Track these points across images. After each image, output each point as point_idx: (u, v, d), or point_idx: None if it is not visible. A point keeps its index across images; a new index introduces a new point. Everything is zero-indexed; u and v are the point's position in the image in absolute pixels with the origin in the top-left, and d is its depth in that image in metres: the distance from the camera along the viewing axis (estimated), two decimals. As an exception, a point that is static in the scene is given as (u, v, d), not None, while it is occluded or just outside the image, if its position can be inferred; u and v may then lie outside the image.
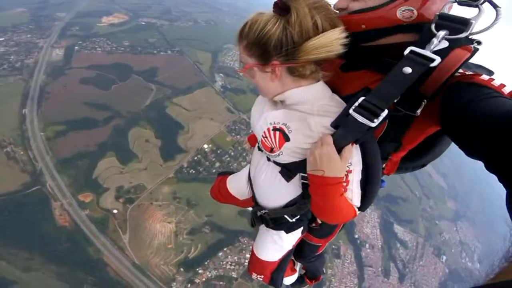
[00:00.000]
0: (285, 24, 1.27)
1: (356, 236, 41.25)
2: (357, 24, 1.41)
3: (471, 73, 1.25)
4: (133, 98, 44.13)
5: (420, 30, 1.36)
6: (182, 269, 30.06)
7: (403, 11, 1.34)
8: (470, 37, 1.27)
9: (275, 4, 1.30)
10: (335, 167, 1.27)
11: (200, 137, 41.92)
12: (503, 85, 1.13)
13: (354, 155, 1.35)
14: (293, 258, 2.64)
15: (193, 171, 37.87)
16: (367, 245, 41.12)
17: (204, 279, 30.12)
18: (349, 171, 1.36)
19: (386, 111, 1.18)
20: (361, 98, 1.23)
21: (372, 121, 1.18)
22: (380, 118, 1.18)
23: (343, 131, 1.28)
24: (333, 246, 37.81)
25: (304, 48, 1.26)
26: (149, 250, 30.49)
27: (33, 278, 25.65)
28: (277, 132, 1.44)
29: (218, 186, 2.43)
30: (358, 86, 1.41)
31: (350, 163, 1.35)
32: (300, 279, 2.99)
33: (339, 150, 1.28)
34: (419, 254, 43.97)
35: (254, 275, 2.30)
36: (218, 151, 41.44)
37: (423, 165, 1.81)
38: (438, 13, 1.30)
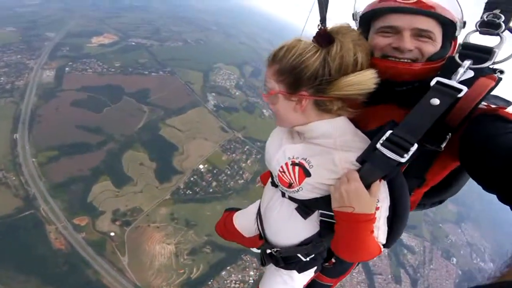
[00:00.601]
0: (325, 56, 1.25)
1: (360, 246, 41.39)
2: (436, 70, 1.38)
3: (495, 106, 1.26)
4: (126, 120, 44.34)
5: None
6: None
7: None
8: (492, 66, 1.28)
9: (318, 34, 1.29)
10: (365, 203, 1.25)
11: (195, 157, 42.16)
12: None
13: (381, 191, 1.33)
14: None
15: (190, 192, 37.94)
16: (372, 254, 40.89)
17: (210, 299, 29.99)
18: (377, 208, 1.32)
19: (415, 145, 1.16)
20: (389, 132, 1.22)
21: (402, 156, 1.16)
22: (410, 153, 1.16)
23: (371, 167, 1.25)
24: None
25: (338, 83, 1.25)
26: (150, 271, 30.28)
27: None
28: (297, 167, 1.40)
29: (224, 221, 2.40)
30: (381, 121, 1.39)
31: (378, 200, 1.32)
32: None
33: (367, 186, 1.25)
34: (428, 258, 44.09)
35: None
36: (214, 171, 41.65)
37: (441, 202, 1.85)
38: (461, 43, 1.34)
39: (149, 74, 56.78)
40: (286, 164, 1.44)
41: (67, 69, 50.87)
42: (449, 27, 1.39)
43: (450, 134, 1.26)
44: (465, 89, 1.15)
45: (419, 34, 1.36)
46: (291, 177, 1.42)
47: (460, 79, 1.21)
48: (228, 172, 42.29)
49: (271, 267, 1.99)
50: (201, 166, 41.46)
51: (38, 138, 37.48)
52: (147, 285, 29.53)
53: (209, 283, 30.91)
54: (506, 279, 0.53)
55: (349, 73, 1.26)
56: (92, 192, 33.96)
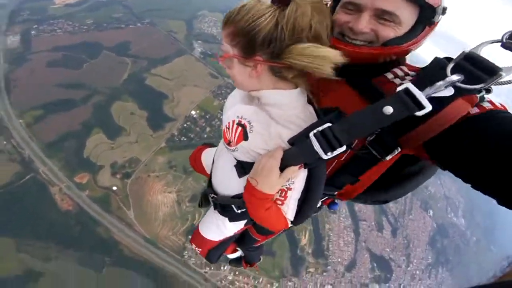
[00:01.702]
0: (278, 18, 1.19)
1: (347, 190, 44.51)
2: (391, 54, 1.41)
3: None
4: (109, 74, 44.79)
5: None
6: (190, 237, 32.18)
7: (425, 39, 1.40)
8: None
9: None
10: (268, 183, 1.31)
11: (186, 104, 43.37)
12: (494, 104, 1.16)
13: (299, 173, 1.38)
14: None
15: (185, 138, 39.54)
16: (359, 199, 44.26)
17: (213, 243, 32.57)
18: (289, 189, 1.40)
19: (343, 148, 1.18)
20: (327, 124, 1.22)
21: (326, 153, 1.19)
22: (335, 153, 1.19)
23: (296, 151, 1.29)
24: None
25: (292, 50, 1.21)
26: (156, 222, 32.67)
27: (56, 267, 27.96)
28: (240, 128, 1.44)
29: (195, 155, 2.65)
30: (331, 100, 1.46)
31: (293, 181, 1.39)
32: (238, 259, 3.20)
33: (284, 167, 1.30)
34: (408, 208, 47.43)
35: (193, 246, 2.47)
36: (207, 116, 43.11)
37: (385, 202, 1.88)
38: (466, 52, 1.19)
39: (126, 27, 56.37)
40: (233, 121, 1.48)
41: (33, 32, 50.02)
42: (426, 10, 1.34)
43: (399, 149, 1.27)
44: (428, 108, 1.05)
45: (381, 15, 1.34)
46: (231, 135, 1.48)
47: (435, 94, 1.14)
48: (221, 117, 42.14)
49: (210, 209, 2.21)
50: (193, 112, 42.85)
51: (19, 100, 37.99)
52: (155, 236, 32.05)
53: (212, 227, 33.41)
54: (507, 278, 0.57)
55: (303, 40, 1.21)
56: (86, 147, 35.24)
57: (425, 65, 1.38)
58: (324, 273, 37.55)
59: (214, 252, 2.40)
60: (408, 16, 1.34)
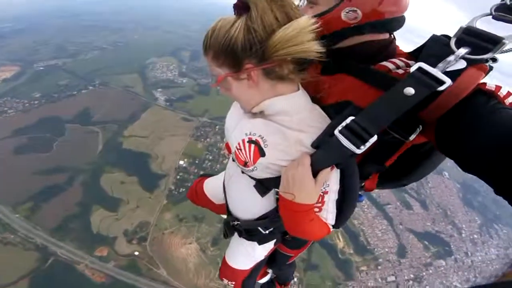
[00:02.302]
0: (247, 22, 1.22)
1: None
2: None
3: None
4: (83, 148, 45.29)
5: (375, 29, 1.46)
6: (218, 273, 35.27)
7: (346, 12, 1.42)
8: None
9: (234, 5, 1.27)
10: (306, 193, 1.29)
11: (171, 156, 45.04)
12: (510, 94, 1.10)
13: (332, 174, 1.36)
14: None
15: (183, 189, 41.73)
16: (371, 185, 45.93)
17: (253, 280, 35.56)
18: (325, 192, 1.39)
19: (375, 137, 1.15)
20: (350, 118, 1.20)
21: (358, 147, 1.15)
22: (368, 145, 1.15)
23: (324, 153, 1.27)
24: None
25: (271, 43, 1.20)
26: (190, 274, 34.65)
27: None
28: (252, 145, 1.41)
29: (195, 188, 2.58)
30: (337, 94, 1.48)
31: (328, 184, 1.38)
32: (270, 282, 3.12)
33: (316, 173, 1.28)
34: None
35: (225, 281, 2.40)
36: (196, 161, 45.04)
37: (404, 185, 1.87)
38: (464, 26, 1.20)
39: (79, 93, 56.28)
40: (243, 140, 1.45)
41: (-18, 117, 47.74)
42: None
43: (420, 127, 1.28)
44: (448, 82, 1.08)
45: (308, 3, 1.55)
46: (246, 155, 1.44)
47: (447, 69, 1.14)
48: (210, 157, 45.87)
49: (235, 237, 2.15)
50: (181, 162, 44.58)
51: (5, 197, 37.96)
52: (195, 287, 34.10)
53: (242, 263, 36.43)
54: (507, 278, 0.92)
55: (276, 30, 1.20)
56: (92, 224, 36.54)
57: (419, 46, 1.46)
58: (379, 267, 38.88)
59: (248, 282, 2.38)
60: None
